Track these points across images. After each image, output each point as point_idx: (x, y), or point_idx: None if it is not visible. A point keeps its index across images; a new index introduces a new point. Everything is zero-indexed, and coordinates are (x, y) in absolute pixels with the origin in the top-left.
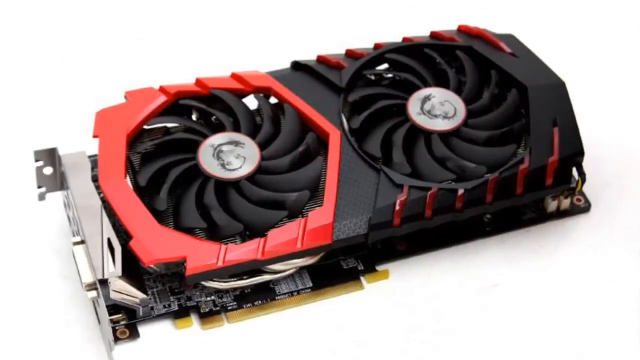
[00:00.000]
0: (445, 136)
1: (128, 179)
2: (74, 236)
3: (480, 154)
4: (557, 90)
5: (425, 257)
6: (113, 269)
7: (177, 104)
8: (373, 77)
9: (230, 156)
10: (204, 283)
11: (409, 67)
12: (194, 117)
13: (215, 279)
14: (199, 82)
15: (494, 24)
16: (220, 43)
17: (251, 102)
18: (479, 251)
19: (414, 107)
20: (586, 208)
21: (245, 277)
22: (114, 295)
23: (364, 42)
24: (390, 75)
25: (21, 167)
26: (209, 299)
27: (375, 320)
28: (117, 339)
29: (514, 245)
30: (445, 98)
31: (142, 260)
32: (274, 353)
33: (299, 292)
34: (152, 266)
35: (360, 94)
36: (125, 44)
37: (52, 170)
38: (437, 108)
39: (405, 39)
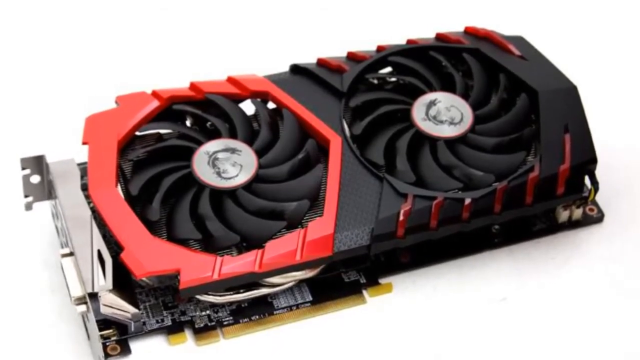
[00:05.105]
0: (451, 143)
1: (119, 188)
2: (62, 247)
3: (488, 162)
4: (569, 94)
5: (430, 269)
6: (103, 282)
7: (170, 108)
8: (375, 81)
9: (226, 164)
10: (198, 297)
11: (413, 70)
12: (188, 123)
13: (210, 293)
14: (193, 86)
15: (502, 25)
16: (216, 45)
17: (248, 107)
18: (487, 263)
19: (418, 112)
20: (599, 218)
21: (241, 291)
22: (104, 310)
23: (366, 44)
24: (393, 79)
25: (7, 174)
26: (203, 313)
27: (377, 335)
28: (107, 355)
29: (523, 257)
30: (451, 103)
31: (133, 272)
32: None
33: (297, 306)
34: (144, 279)
35: (362, 99)
36: (117, 46)
37: (40, 178)
38: (443, 113)
39: (409, 41)
